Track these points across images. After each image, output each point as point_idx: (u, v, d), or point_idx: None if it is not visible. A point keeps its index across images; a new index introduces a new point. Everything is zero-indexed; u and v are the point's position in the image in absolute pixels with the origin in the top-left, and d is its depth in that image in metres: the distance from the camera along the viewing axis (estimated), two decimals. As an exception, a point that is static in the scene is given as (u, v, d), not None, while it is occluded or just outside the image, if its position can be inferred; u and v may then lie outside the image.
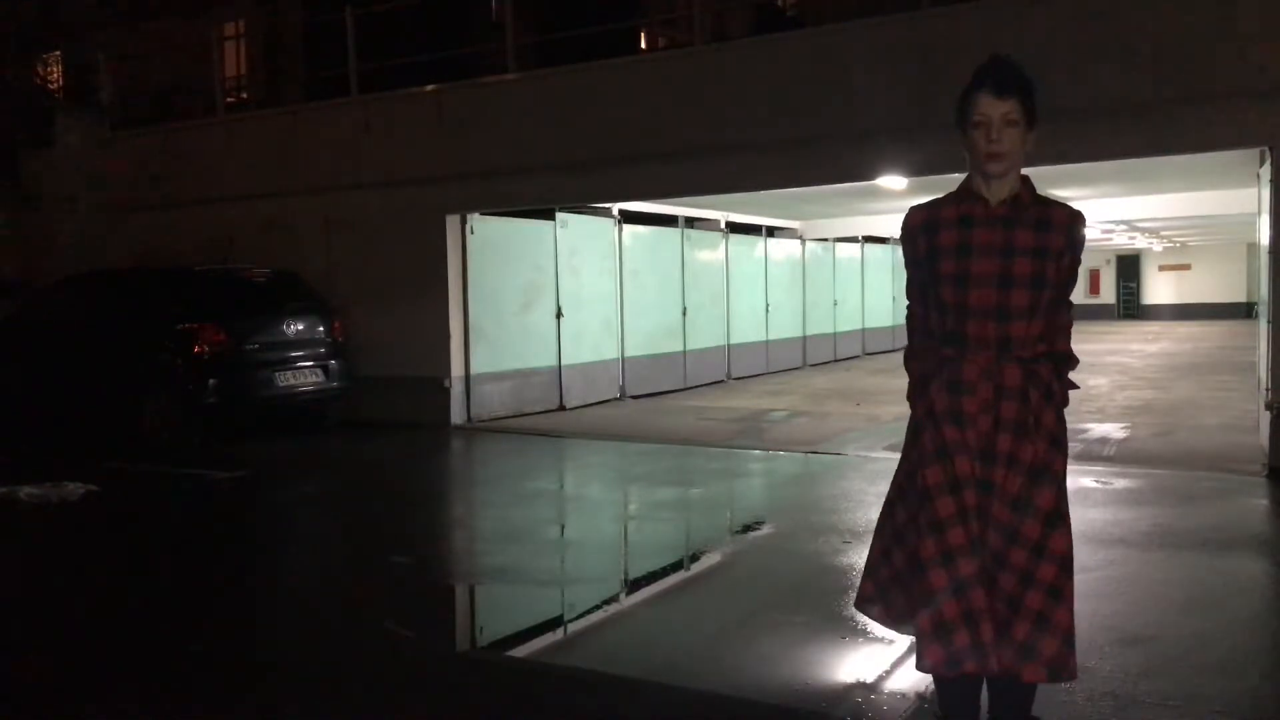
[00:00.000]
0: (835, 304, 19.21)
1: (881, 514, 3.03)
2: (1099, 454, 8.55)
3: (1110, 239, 24.03)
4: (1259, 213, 8.36)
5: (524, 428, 11.01)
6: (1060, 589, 2.69)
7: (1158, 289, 35.95)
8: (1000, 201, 2.79)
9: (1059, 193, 14.18)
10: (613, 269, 13.24)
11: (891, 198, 13.34)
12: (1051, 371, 2.78)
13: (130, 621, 4.88)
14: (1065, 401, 2.81)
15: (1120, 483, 7.39)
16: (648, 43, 19.25)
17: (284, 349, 10.27)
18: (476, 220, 11.26)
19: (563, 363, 12.35)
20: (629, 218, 13.58)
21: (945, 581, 2.72)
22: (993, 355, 2.73)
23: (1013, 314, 2.70)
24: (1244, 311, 29.34)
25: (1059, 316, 2.81)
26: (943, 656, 2.73)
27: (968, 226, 2.78)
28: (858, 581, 5.08)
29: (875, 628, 3.91)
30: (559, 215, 12.21)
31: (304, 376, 10.38)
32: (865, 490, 7.33)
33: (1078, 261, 2.82)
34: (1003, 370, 2.73)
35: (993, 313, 2.71)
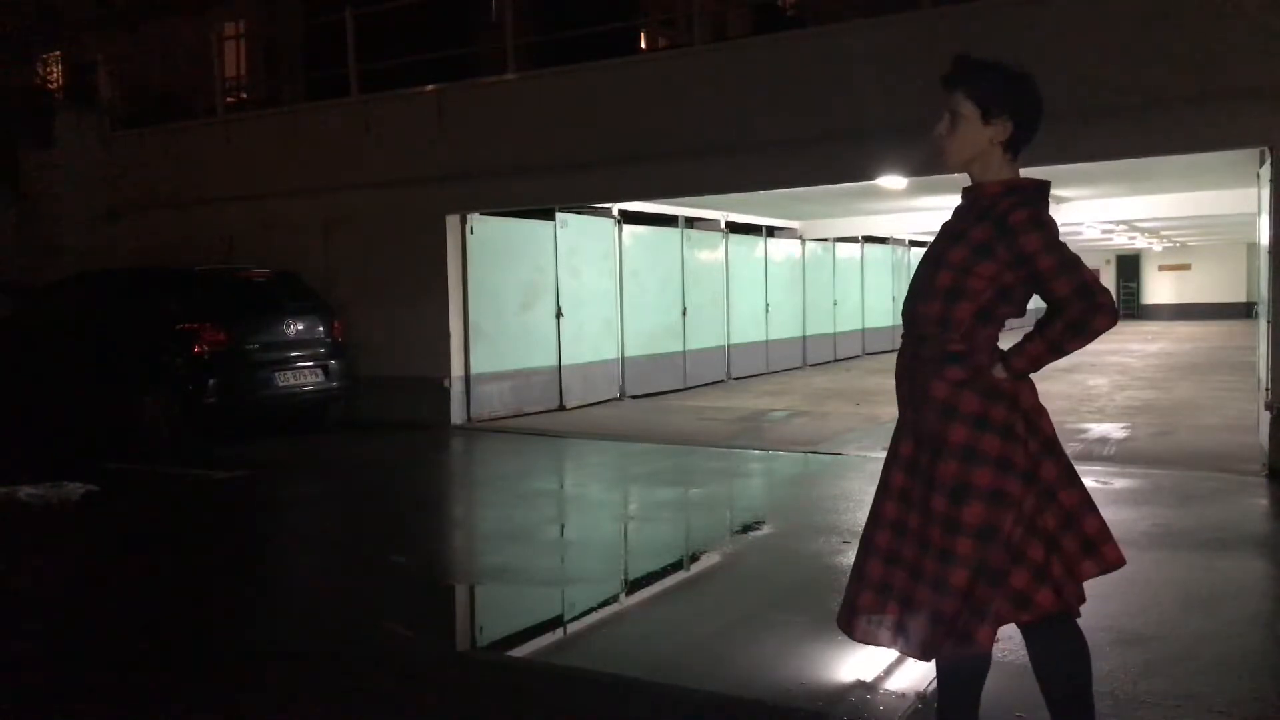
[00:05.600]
0: (835, 304, 19.20)
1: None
2: (1099, 454, 8.54)
3: (1110, 239, 24.04)
4: (1259, 213, 8.36)
5: (524, 428, 11.01)
6: (951, 568, 2.61)
7: (1158, 289, 35.98)
8: (972, 186, 2.79)
9: (1059, 193, 14.18)
10: (613, 269, 13.24)
11: (891, 198, 13.33)
12: (945, 354, 2.67)
13: (130, 621, 4.88)
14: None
15: (1120, 483, 7.39)
16: (648, 43, 19.23)
17: (284, 349, 10.27)
18: (476, 220, 11.27)
19: (563, 363, 12.35)
20: (629, 218, 13.58)
21: (862, 548, 2.81)
22: (907, 337, 2.79)
23: (926, 294, 2.70)
24: (1244, 311, 29.34)
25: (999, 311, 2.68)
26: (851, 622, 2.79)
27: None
28: (858, 581, 5.10)
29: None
30: (559, 215, 12.21)
31: (304, 376, 10.38)
32: (865, 490, 7.32)
33: (1041, 272, 2.58)
34: (909, 352, 2.78)
35: (917, 293, 2.75)
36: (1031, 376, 2.72)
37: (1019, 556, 2.62)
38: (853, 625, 2.79)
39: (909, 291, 2.80)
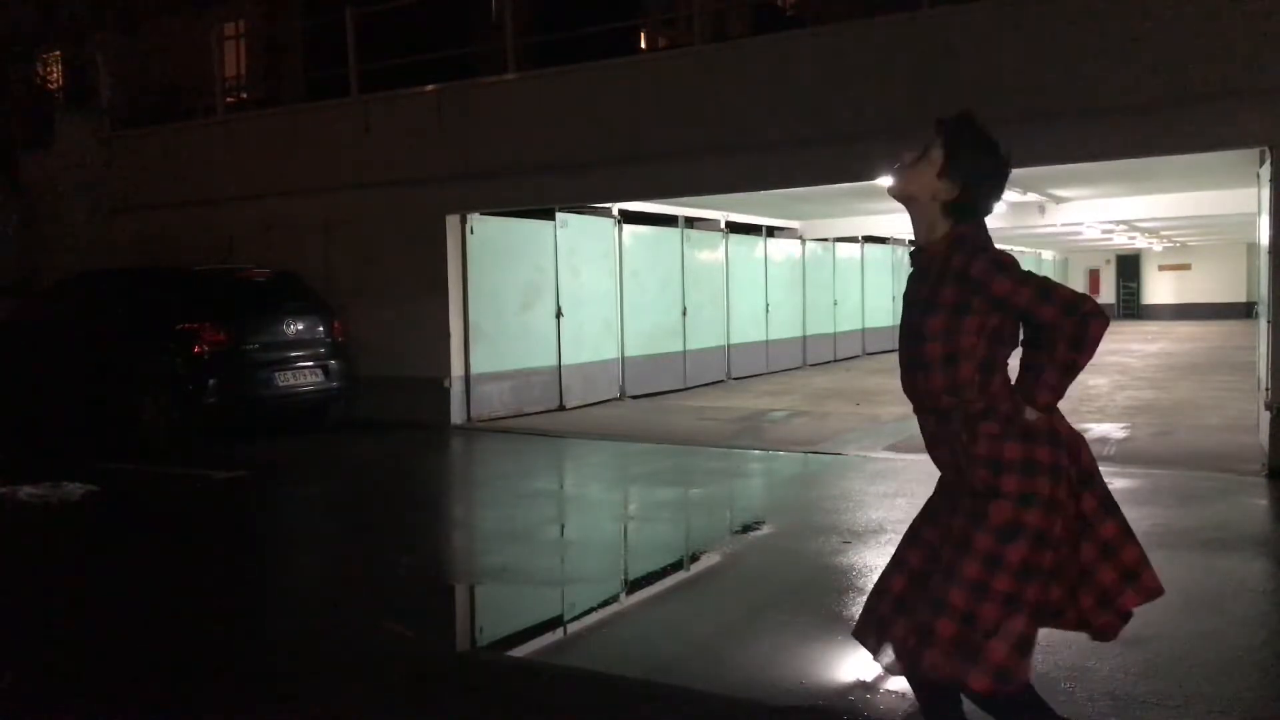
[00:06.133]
0: (835, 304, 19.21)
1: None
2: (1099, 454, 8.43)
3: (1110, 239, 24.03)
4: (1259, 213, 8.36)
5: (524, 428, 11.01)
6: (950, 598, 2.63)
7: (1158, 289, 35.97)
8: (919, 249, 2.80)
9: (1060, 192, 14.19)
10: (613, 269, 13.24)
11: (891, 197, 13.32)
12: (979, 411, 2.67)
13: (129, 622, 4.88)
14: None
15: (1120, 483, 7.39)
16: (648, 43, 19.23)
17: (284, 349, 10.26)
18: (476, 220, 11.26)
19: (563, 363, 12.35)
20: (629, 218, 13.58)
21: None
22: (920, 411, 2.79)
23: (923, 369, 2.71)
24: (1244, 311, 29.33)
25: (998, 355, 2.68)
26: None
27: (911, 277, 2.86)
28: (857, 581, 5.10)
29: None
30: (559, 215, 12.21)
31: (304, 376, 10.38)
32: (865, 490, 7.33)
33: (1022, 308, 2.60)
34: (931, 422, 2.79)
35: (913, 369, 2.75)
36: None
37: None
38: (872, 643, 2.81)
39: (903, 366, 2.78)
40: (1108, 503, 2.70)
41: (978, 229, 2.74)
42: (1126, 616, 2.73)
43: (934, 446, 2.79)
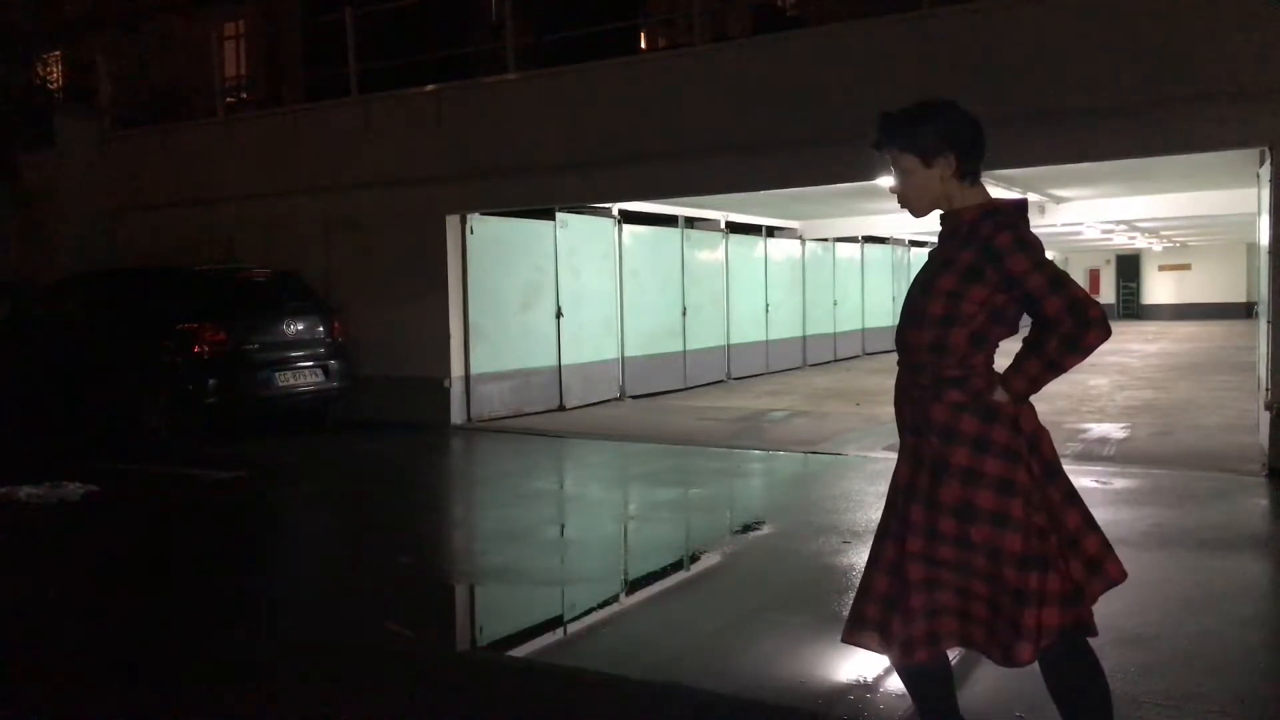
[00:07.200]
0: (835, 304, 19.21)
1: None
2: (1099, 454, 8.54)
3: (1110, 239, 24.02)
4: (1259, 213, 8.36)
5: (524, 428, 11.01)
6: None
7: (1157, 289, 35.98)
8: (947, 213, 2.80)
9: (1060, 192, 14.18)
10: (613, 269, 13.24)
11: (891, 197, 13.32)
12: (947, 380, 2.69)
13: (129, 622, 4.88)
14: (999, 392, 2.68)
15: (1120, 483, 7.39)
16: (648, 43, 19.23)
17: (284, 349, 10.26)
18: (476, 220, 11.27)
19: (563, 363, 12.35)
20: (629, 218, 13.58)
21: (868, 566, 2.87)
22: (903, 364, 2.81)
23: (919, 322, 2.72)
24: (1244, 311, 29.34)
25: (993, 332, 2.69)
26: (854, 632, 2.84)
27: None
28: (857, 581, 5.10)
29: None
30: (559, 215, 12.21)
31: (304, 376, 10.38)
32: (865, 490, 7.33)
33: (1031, 292, 2.58)
34: (907, 379, 2.81)
35: (910, 321, 2.77)
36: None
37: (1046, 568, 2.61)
38: (862, 638, 2.81)
39: (901, 318, 2.81)
40: (1070, 494, 2.71)
41: (1019, 208, 2.74)
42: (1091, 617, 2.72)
43: (900, 404, 2.81)
